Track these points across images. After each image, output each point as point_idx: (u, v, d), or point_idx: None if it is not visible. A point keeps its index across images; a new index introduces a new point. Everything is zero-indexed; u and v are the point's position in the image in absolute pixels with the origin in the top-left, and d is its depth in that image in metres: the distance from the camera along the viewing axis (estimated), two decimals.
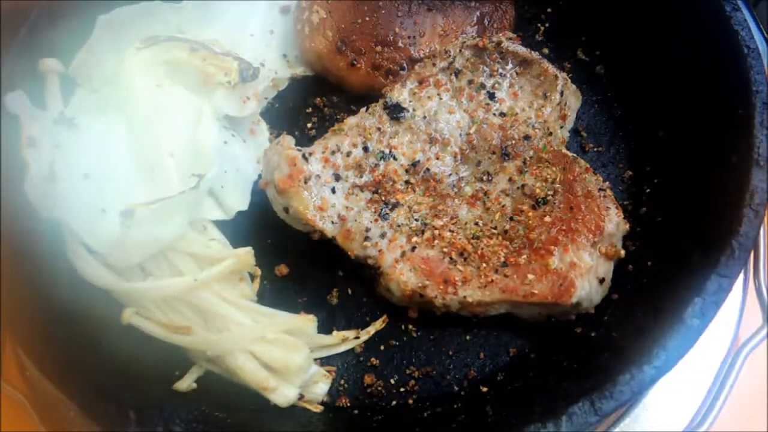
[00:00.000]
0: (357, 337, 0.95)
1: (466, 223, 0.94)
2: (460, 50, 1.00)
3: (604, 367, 0.79)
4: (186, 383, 0.87)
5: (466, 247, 0.92)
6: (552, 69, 0.99)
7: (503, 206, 0.95)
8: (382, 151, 0.96)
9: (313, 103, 1.11)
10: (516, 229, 0.92)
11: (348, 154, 0.96)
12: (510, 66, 1.00)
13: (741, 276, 0.97)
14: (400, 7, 1.08)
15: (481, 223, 0.94)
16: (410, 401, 0.92)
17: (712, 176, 0.91)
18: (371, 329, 0.96)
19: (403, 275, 0.90)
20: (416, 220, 0.94)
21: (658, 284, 0.90)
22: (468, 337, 0.96)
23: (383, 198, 0.95)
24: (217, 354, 0.85)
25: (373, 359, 0.94)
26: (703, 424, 0.90)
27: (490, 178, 0.97)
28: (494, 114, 0.98)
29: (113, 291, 0.89)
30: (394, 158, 0.96)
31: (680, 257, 0.88)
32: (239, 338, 0.85)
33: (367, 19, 1.08)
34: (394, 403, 0.92)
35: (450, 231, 0.93)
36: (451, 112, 0.98)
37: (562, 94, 0.99)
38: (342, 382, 0.94)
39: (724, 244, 0.81)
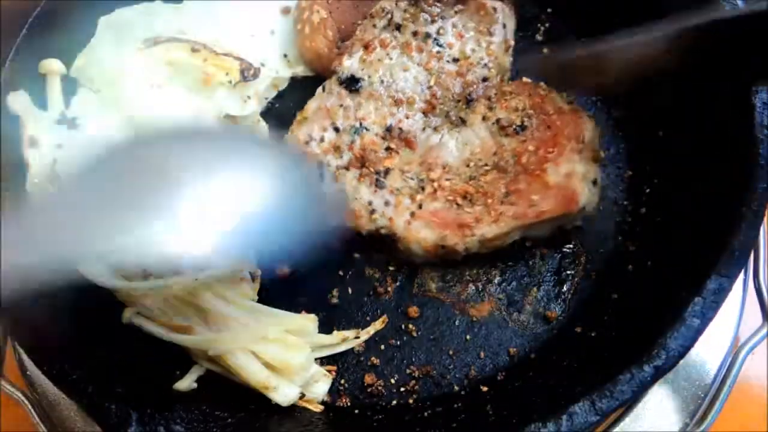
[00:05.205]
0: (357, 337, 0.95)
1: (458, 168, 0.95)
2: (396, 3, 1.00)
3: (604, 367, 0.79)
4: (186, 383, 0.87)
5: (467, 189, 0.93)
6: (488, 1, 1.01)
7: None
8: (353, 126, 0.96)
9: None
10: (506, 160, 0.95)
11: (321, 140, 0.96)
12: (448, 8, 1.01)
13: (741, 276, 0.97)
14: None
15: (471, 164, 0.96)
16: (410, 401, 0.92)
17: (712, 176, 0.91)
18: (371, 329, 0.96)
19: (420, 233, 0.92)
20: (411, 179, 0.95)
21: (658, 284, 0.90)
22: (468, 337, 0.96)
23: (373, 169, 0.95)
24: (218, 353, 0.85)
25: (373, 359, 0.95)
26: (703, 423, 0.90)
27: (465, 121, 0.99)
28: (448, 61, 1.00)
29: (114, 290, 0.89)
30: (367, 129, 0.97)
31: (680, 257, 0.89)
32: (240, 337, 0.85)
33: None
34: (394, 402, 0.92)
35: (447, 179, 0.95)
36: (406, 69, 0.99)
37: (504, 26, 0.99)
38: (342, 381, 0.94)
39: (724, 244, 0.81)
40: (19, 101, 0.93)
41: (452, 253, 0.94)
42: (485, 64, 1.00)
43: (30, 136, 0.92)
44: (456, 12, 1.00)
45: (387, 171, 0.95)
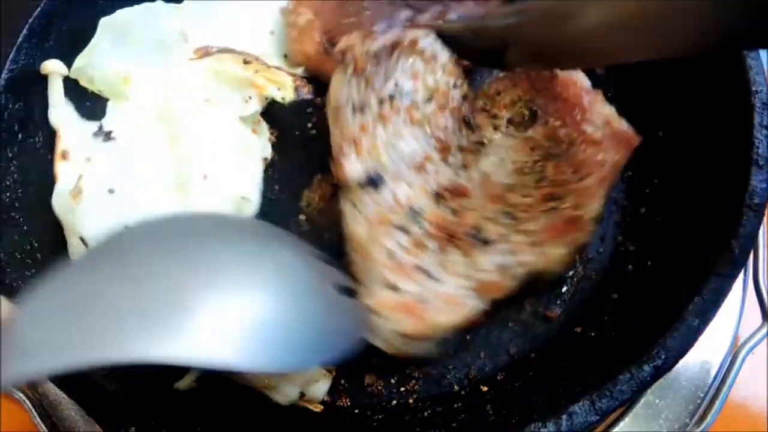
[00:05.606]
0: None
1: (519, 181, 0.92)
2: (347, 86, 0.92)
3: (604, 367, 0.79)
4: (186, 382, 0.87)
5: (544, 192, 0.90)
6: (415, 33, 0.95)
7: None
8: (409, 215, 0.89)
9: (313, 103, 1.12)
10: (548, 147, 0.93)
11: (401, 246, 0.87)
12: (388, 61, 0.94)
13: (741, 276, 0.98)
14: (385, 8, 1.07)
15: (526, 170, 0.93)
16: (410, 401, 0.92)
17: (712, 176, 0.91)
18: None
19: (555, 255, 0.87)
20: (500, 219, 0.90)
21: (658, 284, 0.90)
22: (468, 337, 0.96)
23: (462, 236, 0.89)
24: None
25: (373, 359, 0.94)
26: (703, 423, 0.90)
27: (482, 141, 0.96)
28: (425, 105, 0.95)
29: None
30: (421, 209, 0.90)
31: (680, 257, 0.89)
32: None
33: (353, 19, 1.06)
34: (394, 402, 0.92)
35: (522, 197, 0.91)
36: (400, 136, 0.93)
37: (444, 43, 0.95)
38: (342, 381, 0.94)
39: (723, 243, 0.81)
40: (62, 114, 0.94)
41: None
42: (454, 84, 0.96)
43: (63, 149, 0.92)
44: (397, 60, 0.94)
45: (477, 229, 0.89)
